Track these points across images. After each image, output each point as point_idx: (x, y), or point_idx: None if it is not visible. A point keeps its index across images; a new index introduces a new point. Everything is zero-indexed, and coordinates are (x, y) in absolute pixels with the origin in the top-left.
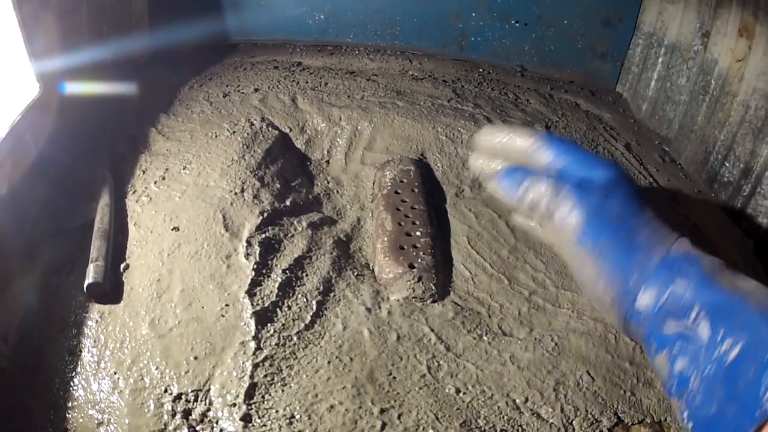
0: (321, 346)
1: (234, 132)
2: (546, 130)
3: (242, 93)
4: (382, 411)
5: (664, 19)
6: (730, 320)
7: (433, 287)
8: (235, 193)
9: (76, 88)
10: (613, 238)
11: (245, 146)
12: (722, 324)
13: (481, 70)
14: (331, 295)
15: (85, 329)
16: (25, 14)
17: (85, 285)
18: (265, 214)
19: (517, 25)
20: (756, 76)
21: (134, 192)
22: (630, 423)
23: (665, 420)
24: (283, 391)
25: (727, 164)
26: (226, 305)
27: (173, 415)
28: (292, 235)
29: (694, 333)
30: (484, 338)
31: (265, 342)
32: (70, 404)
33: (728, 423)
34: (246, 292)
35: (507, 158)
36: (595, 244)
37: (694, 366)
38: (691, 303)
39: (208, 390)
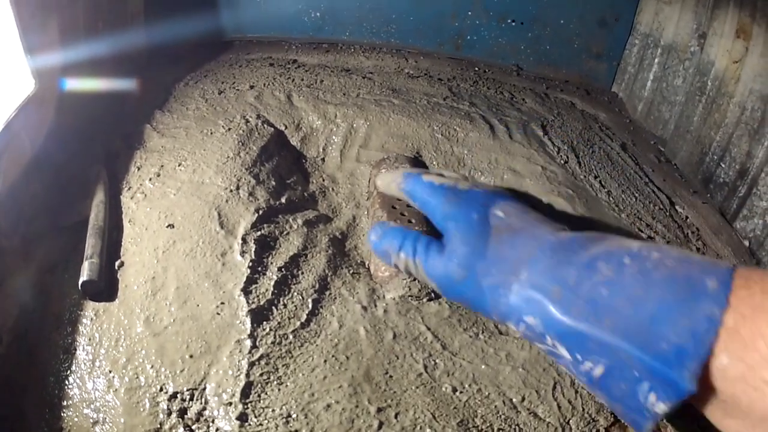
0: (317, 345)
1: (229, 129)
2: (411, 176)
3: (237, 90)
4: (378, 410)
5: (660, 20)
6: (584, 346)
7: None
8: (231, 191)
9: (71, 84)
10: (462, 296)
11: (240, 143)
12: (577, 350)
13: (477, 68)
14: (327, 293)
15: (80, 327)
16: (21, 9)
17: (80, 282)
18: (261, 212)
19: (514, 24)
20: (752, 77)
21: (129, 189)
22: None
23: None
24: (279, 389)
25: (723, 165)
26: (222, 303)
27: (169, 414)
28: (288, 233)
29: (557, 353)
30: (480, 336)
31: (260, 340)
32: (65, 403)
33: (621, 417)
34: (241, 290)
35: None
36: (455, 299)
37: (572, 374)
38: (542, 334)
39: (204, 389)
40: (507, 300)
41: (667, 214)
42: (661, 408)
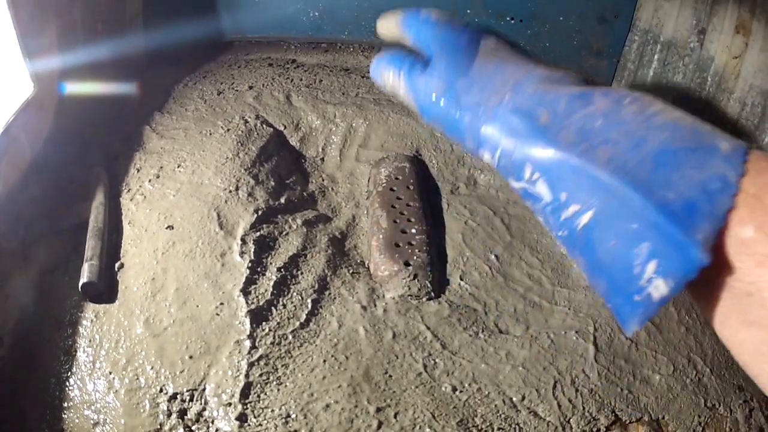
0: (316, 345)
1: (228, 130)
2: (411, 10)
3: (236, 90)
4: (378, 410)
5: (660, 16)
6: (572, 183)
7: (429, 285)
8: (230, 191)
9: (70, 87)
10: (438, 115)
11: (240, 144)
12: (561, 187)
13: None
14: (327, 293)
15: (81, 329)
16: (20, 13)
17: (80, 284)
18: (260, 212)
19: (513, 21)
20: (753, 73)
21: (129, 190)
22: (627, 421)
23: (663, 418)
24: (278, 390)
25: None
26: (221, 304)
27: (169, 415)
28: (287, 233)
29: (534, 191)
30: (480, 336)
31: (260, 341)
32: (65, 404)
33: (603, 297)
34: (241, 291)
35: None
36: (432, 120)
37: (548, 225)
38: (521, 162)
39: (204, 389)
40: (485, 122)
41: None
42: (661, 289)
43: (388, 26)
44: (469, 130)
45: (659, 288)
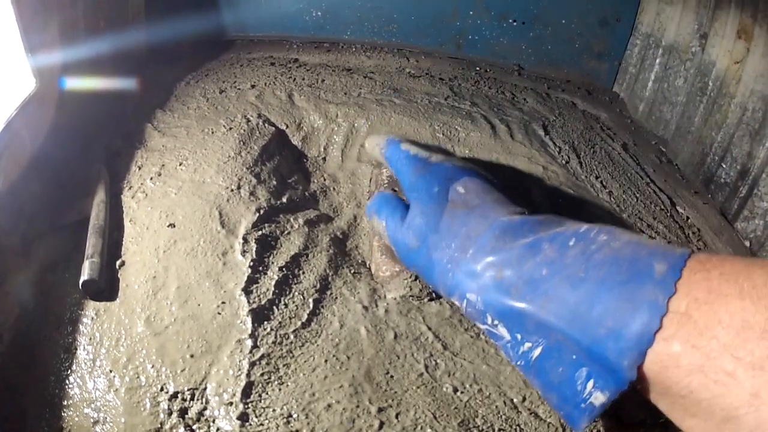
0: (318, 345)
1: (230, 128)
2: (396, 143)
3: (238, 89)
4: (379, 410)
5: (662, 20)
6: (523, 326)
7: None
8: (232, 190)
9: (72, 83)
10: (415, 264)
11: (241, 143)
12: (516, 329)
13: (478, 68)
14: (328, 293)
15: (81, 327)
16: (23, 9)
17: (81, 282)
18: (262, 211)
19: (515, 24)
20: (754, 78)
21: (130, 188)
22: (629, 423)
23: (664, 420)
24: (280, 389)
25: (724, 166)
26: (223, 303)
27: (169, 414)
28: (289, 233)
29: (496, 333)
30: (482, 337)
31: (261, 340)
32: (65, 403)
33: (555, 408)
34: (242, 290)
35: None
36: (410, 268)
37: (508, 357)
38: (483, 312)
39: (205, 388)
40: (453, 275)
41: (668, 214)
42: (599, 399)
43: (374, 151)
44: (440, 281)
45: (598, 398)
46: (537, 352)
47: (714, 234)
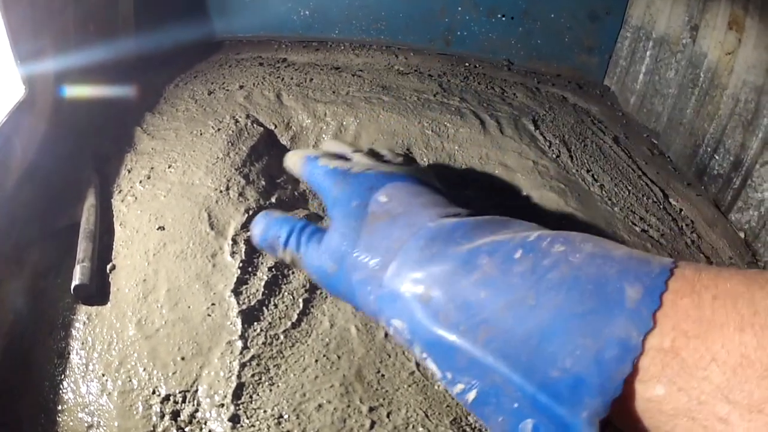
0: (308, 345)
1: (219, 129)
2: (314, 158)
3: (227, 90)
4: (371, 409)
5: (652, 13)
6: (454, 363)
7: None
8: (221, 191)
9: (62, 89)
10: (337, 291)
11: (230, 144)
12: (446, 367)
13: (467, 64)
14: (318, 292)
15: (73, 331)
16: (12, 15)
17: (72, 287)
18: (251, 212)
19: (504, 19)
20: (746, 68)
21: (120, 192)
22: None
23: None
24: (270, 390)
25: (717, 157)
26: (213, 304)
27: (162, 417)
28: None
29: (428, 365)
30: None
31: (252, 341)
32: (60, 407)
33: None
34: (232, 291)
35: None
36: (332, 294)
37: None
38: (410, 342)
39: (196, 391)
40: (374, 297)
41: (661, 207)
42: None
43: (294, 170)
44: (363, 306)
45: None
46: (471, 395)
47: (708, 226)
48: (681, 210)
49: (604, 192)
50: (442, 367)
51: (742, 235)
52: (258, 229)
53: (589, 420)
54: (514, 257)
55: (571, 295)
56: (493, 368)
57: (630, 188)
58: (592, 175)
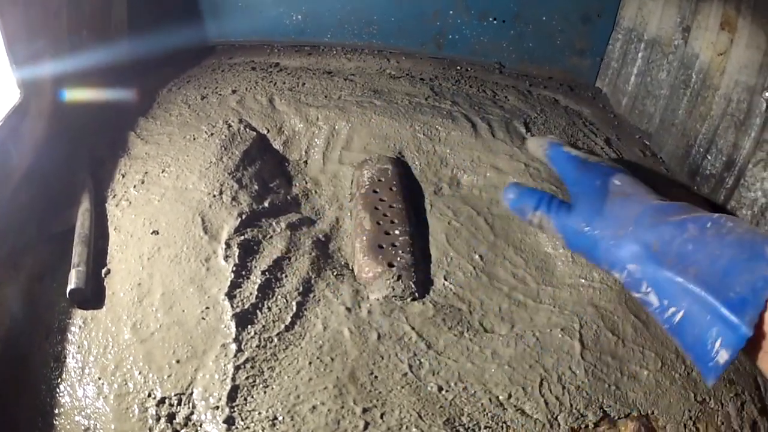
0: (302, 347)
1: (212, 134)
2: (558, 145)
3: (220, 95)
4: (364, 410)
5: (644, 14)
6: (672, 293)
7: (413, 285)
8: (214, 196)
9: (57, 93)
10: (582, 246)
11: (223, 148)
12: (665, 296)
13: (459, 67)
14: (311, 295)
15: (69, 335)
16: (7, 20)
17: (68, 291)
18: (244, 216)
19: (495, 22)
20: (738, 69)
21: (114, 196)
22: (616, 417)
23: (652, 413)
24: (265, 392)
25: (710, 157)
26: (207, 308)
27: (157, 420)
28: (271, 237)
29: (648, 299)
30: (465, 335)
31: (245, 344)
32: (56, 411)
33: (695, 363)
34: (226, 295)
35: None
36: (576, 249)
37: (656, 319)
38: (640, 280)
39: (191, 393)
40: (616, 250)
41: None
42: (723, 357)
43: (537, 153)
44: (604, 256)
45: (723, 356)
46: (679, 315)
47: None
48: None
49: None
50: (662, 297)
51: None
52: (512, 194)
53: (748, 322)
54: (707, 226)
55: (738, 251)
56: (698, 293)
57: None
58: None
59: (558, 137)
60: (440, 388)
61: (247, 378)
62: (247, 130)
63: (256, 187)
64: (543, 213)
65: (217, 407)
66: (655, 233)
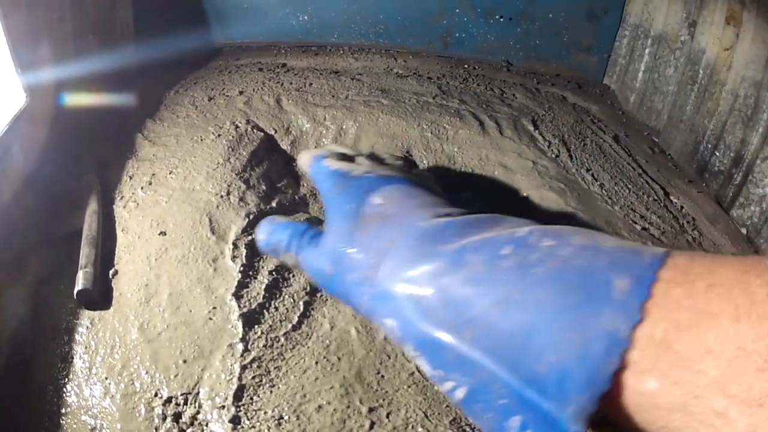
0: (308, 347)
1: (219, 135)
2: (321, 158)
3: (227, 96)
4: (370, 410)
5: (650, 10)
6: (443, 360)
7: None
8: (221, 196)
9: (63, 97)
10: (334, 292)
11: (230, 149)
12: (436, 364)
13: (466, 66)
14: (318, 295)
15: (76, 336)
16: (12, 24)
17: (75, 292)
18: (251, 216)
19: (502, 20)
20: (744, 64)
21: (122, 198)
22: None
23: None
24: (271, 392)
25: (718, 153)
26: (214, 308)
27: (164, 419)
28: None
29: (420, 365)
30: None
31: (252, 344)
32: (63, 411)
33: None
34: (233, 295)
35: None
36: (330, 294)
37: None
38: (402, 340)
39: (198, 393)
40: (368, 298)
41: (662, 204)
42: None
43: (304, 169)
44: (358, 306)
45: None
46: (461, 393)
47: (709, 222)
48: (682, 207)
49: (604, 191)
50: (433, 365)
51: (744, 231)
52: (262, 233)
53: (575, 415)
54: (502, 253)
55: (557, 289)
56: (480, 365)
57: (630, 186)
58: (592, 174)
59: (329, 149)
60: None
61: (253, 377)
62: (255, 130)
63: (264, 187)
64: (293, 252)
65: (223, 407)
66: (418, 272)
